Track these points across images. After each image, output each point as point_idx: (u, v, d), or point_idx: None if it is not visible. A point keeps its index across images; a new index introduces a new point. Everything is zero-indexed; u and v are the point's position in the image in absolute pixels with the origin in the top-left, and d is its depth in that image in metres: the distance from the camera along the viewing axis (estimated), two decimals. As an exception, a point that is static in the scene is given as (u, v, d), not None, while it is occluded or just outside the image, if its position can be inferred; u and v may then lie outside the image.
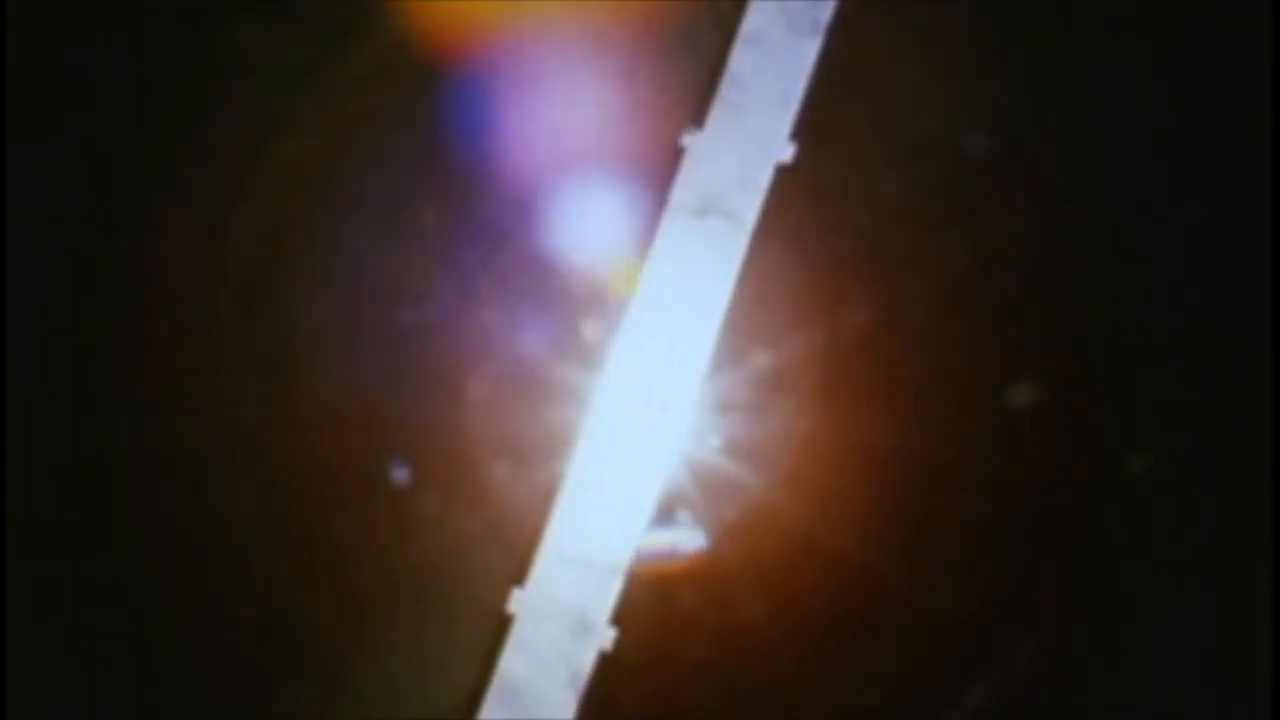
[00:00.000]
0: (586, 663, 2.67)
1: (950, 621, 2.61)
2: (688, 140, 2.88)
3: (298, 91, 2.96)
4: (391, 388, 2.89)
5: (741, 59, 2.90)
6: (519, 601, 2.73)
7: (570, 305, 2.89)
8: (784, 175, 2.83)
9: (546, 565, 2.73)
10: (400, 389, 2.89)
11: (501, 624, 2.70)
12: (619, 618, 2.69)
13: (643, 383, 2.79)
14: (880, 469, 2.64)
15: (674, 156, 2.89)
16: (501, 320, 2.92)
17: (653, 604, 2.68)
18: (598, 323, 2.85)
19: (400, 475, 2.87)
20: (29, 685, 2.80)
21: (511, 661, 2.71)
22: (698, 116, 2.89)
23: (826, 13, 2.86)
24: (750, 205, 2.83)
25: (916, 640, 2.62)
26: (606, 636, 2.68)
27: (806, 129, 2.83)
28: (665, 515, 2.73)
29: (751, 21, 2.92)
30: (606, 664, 2.65)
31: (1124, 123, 2.71)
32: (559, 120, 2.99)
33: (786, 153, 2.84)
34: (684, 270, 2.82)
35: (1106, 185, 2.71)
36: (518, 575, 2.74)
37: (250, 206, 2.94)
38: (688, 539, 2.74)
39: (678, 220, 2.84)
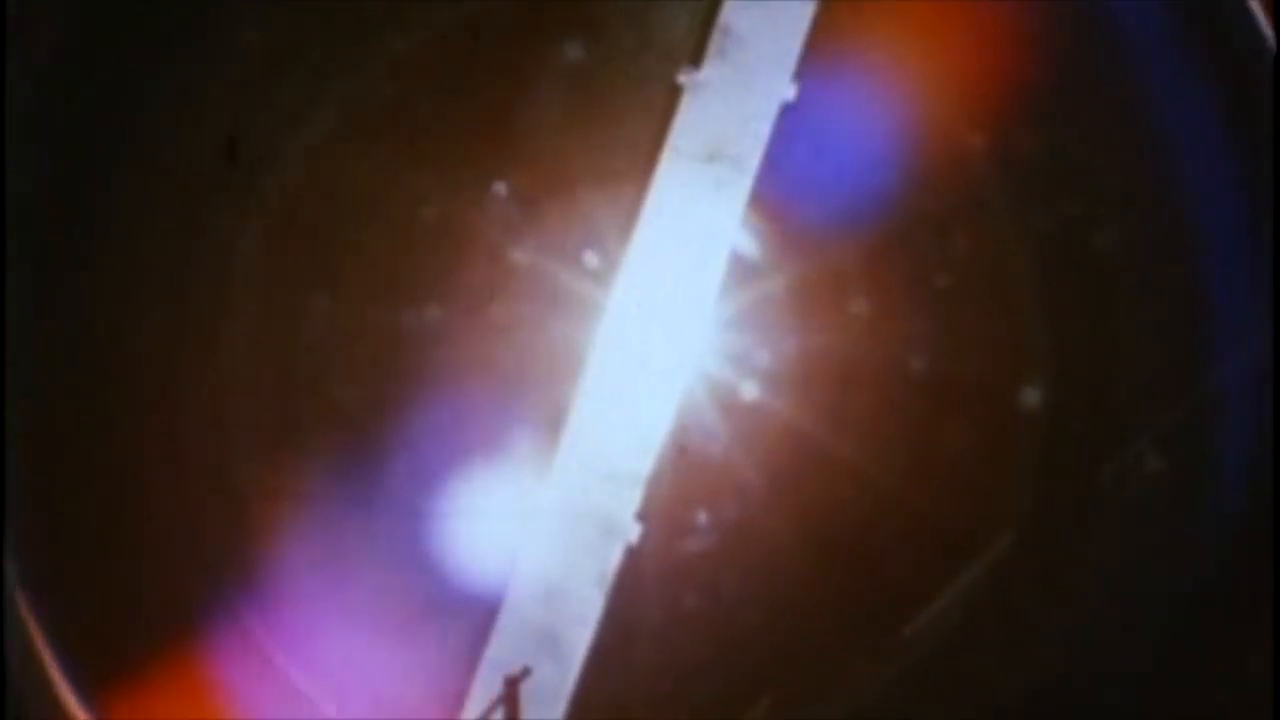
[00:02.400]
0: (613, 562, 2.80)
1: (959, 535, 2.81)
2: (684, 79, 2.97)
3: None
4: (411, 307, 2.99)
5: (736, 16, 2.98)
6: (538, 498, 2.85)
7: (579, 234, 3.02)
8: (788, 113, 2.95)
9: (571, 474, 2.84)
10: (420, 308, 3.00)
11: (523, 520, 2.84)
12: (644, 515, 2.83)
13: (655, 301, 2.90)
14: (889, 384, 2.87)
15: (672, 94, 2.98)
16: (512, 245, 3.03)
17: (676, 504, 2.85)
18: (609, 248, 2.99)
19: (419, 383, 2.97)
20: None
21: (539, 563, 2.83)
22: (694, 58, 2.97)
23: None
24: (755, 146, 2.92)
25: (923, 549, 2.81)
26: (633, 531, 2.81)
27: (809, 68, 2.94)
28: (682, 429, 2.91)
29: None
30: (633, 559, 2.80)
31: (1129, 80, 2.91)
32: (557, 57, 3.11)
33: (790, 92, 2.94)
34: (691, 206, 2.93)
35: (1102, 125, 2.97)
36: (538, 473, 2.86)
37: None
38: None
39: (683, 165, 2.94)
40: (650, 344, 2.90)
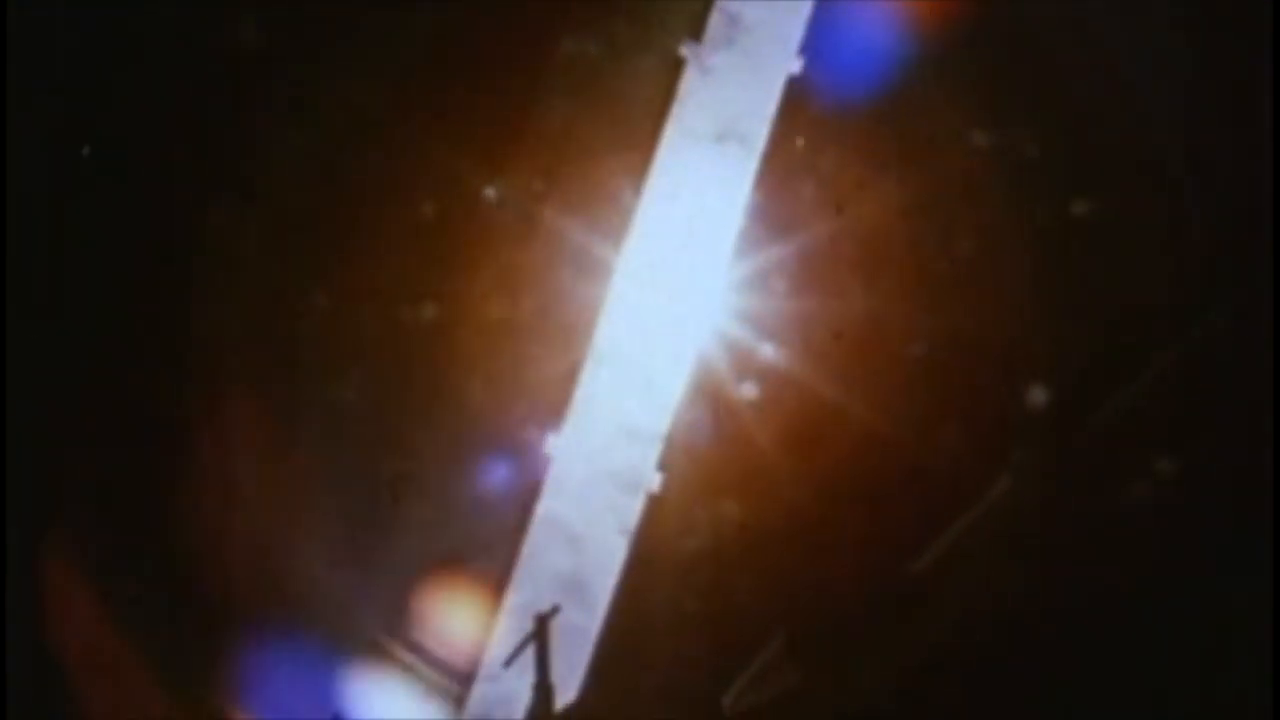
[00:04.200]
0: (635, 514, 2.92)
1: (961, 487, 2.88)
2: (686, 51, 3.07)
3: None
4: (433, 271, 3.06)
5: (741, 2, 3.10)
6: (554, 446, 2.95)
7: (596, 211, 3.08)
8: (795, 86, 3.05)
9: (593, 431, 2.96)
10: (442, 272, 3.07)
11: (540, 466, 2.95)
12: (664, 465, 2.95)
13: (670, 265, 3.01)
14: (894, 342, 2.97)
15: (674, 68, 3.09)
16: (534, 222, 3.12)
17: (694, 458, 2.95)
18: (620, 215, 3.06)
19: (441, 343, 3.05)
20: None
21: (565, 516, 2.93)
22: (694, 31, 3.08)
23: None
24: (762, 124, 3.05)
25: (924, 497, 2.89)
26: (653, 480, 2.92)
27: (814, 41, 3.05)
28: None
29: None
30: (654, 507, 2.91)
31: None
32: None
33: (796, 65, 3.05)
34: (702, 181, 3.05)
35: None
36: (554, 425, 2.96)
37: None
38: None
39: (694, 145, 3.06)
40: (666, 311, 3.01)
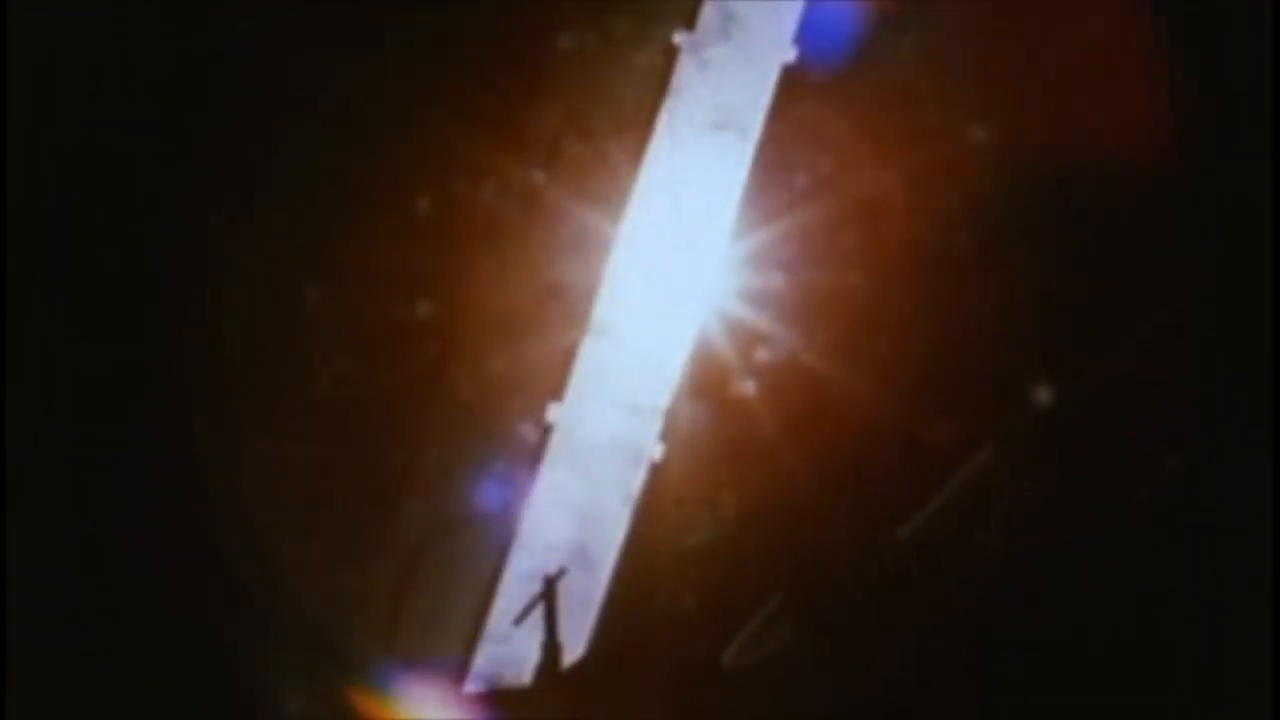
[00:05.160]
0: (638, 483, 3.02)
1: (949, 455, 2.98)
2: (680, 39, 3.15)
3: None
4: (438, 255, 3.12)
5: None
6: (556, 416, 3.03)
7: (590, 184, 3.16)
8: (789, 75, 3.14)
9: (595, 403, 3.04)
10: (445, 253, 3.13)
11: (544, 434, 3.04)
12: (665, 436, 3.04)
13: (671, 244, 3.11)
14: (886, 318, 3.05)
15: (670, 56, 3.18)
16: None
17: (694, 430, 3.04)
18: (620, 201, 3.14)
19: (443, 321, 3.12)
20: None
21: (571, 487, 3.02)
22: (689, 23, 3.16)
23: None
24: (758, 113, 3.14)
25: (915, 467, 2.98)
26: (655, 450, 3.02)
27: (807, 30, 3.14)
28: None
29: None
30: (655, 475, 3.00)
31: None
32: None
33: (790, 54, 3.14)
34: (701, 168, 3.14)
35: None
36: (556, 396, 3.05)
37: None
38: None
39: (691, 133, 3.15)
40: (667, 288, 3.10)
